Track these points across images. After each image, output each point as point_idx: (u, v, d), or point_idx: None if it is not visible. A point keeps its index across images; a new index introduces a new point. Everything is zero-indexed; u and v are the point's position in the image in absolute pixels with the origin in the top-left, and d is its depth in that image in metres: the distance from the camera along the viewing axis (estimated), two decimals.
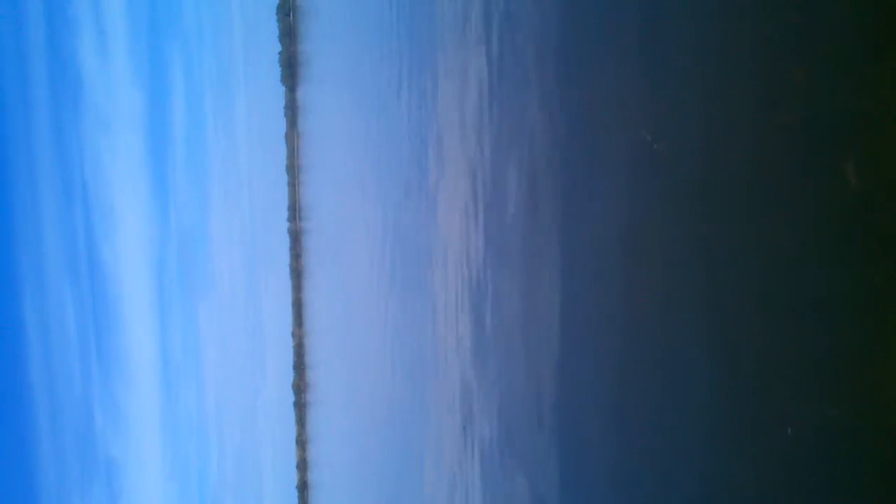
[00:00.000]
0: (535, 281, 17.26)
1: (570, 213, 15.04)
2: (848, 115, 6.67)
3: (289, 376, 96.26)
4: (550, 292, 16.10)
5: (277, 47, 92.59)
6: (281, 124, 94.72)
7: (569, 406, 15.19)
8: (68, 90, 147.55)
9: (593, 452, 14.05)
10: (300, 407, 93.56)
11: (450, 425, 26.27)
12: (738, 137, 8.30)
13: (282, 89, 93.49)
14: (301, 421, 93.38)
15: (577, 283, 14.70)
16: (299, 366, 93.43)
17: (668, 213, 10.21)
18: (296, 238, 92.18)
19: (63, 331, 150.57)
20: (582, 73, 14.31)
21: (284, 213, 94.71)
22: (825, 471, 6.97)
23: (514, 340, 19.09)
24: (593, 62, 13.56)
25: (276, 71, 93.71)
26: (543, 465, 16.91)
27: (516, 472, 18.97)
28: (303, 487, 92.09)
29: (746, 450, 8.33)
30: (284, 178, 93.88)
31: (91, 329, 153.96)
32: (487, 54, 20.96)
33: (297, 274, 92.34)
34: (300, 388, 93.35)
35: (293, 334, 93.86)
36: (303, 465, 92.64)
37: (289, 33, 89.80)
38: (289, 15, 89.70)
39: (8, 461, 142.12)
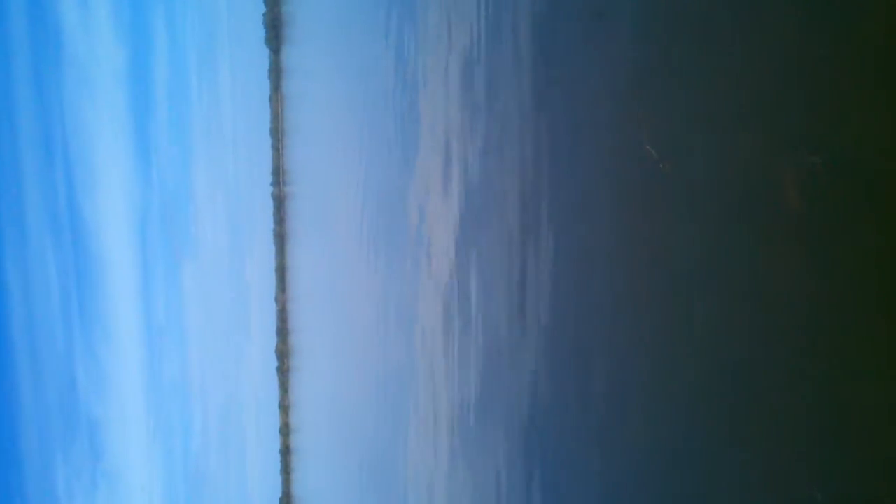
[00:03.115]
0: (519, 247, 17.19)
1: (558, 189, 14.90)
2: (872, 160, 6.55)
3: (272, 341, 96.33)
4: (538, 265, 16.03)
5: (262, 8, 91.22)
6: (265, 86, 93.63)
7: (552, 372, 15.18)
8: (49, 45, 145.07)
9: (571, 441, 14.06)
10: (283, 372, 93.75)
11: (433, 389, 26.30)
12: (756, 171, 8.16)
13: (266, 51, 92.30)
14: (284, 386, 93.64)
15: (565, 266, 14.62)
16: (282, 331, 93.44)
17: (669, 226, 10.10)
18: (279, 202, 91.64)
19: (45, 290, 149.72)
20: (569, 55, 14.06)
21: (268, 178, 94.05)
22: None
23: (498, 306, 19.04)
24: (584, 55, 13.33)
25: (261, 32, 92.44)
26: (523, 432, 16.93)
27: (496, 439, 19.01)
28: (286, 452, 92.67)
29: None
30: (268, 141, 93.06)
31: (73, 288, 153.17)
32: (475, 21, 20.64)
33: (280, 239, 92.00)
34: (283, 353, 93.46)
35: (276, 299, 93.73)
36: (286, 430, 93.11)
37: None
38: None
39: None
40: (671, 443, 10.01)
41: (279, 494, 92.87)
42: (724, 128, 8.58)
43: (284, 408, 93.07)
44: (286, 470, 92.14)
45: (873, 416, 6.36)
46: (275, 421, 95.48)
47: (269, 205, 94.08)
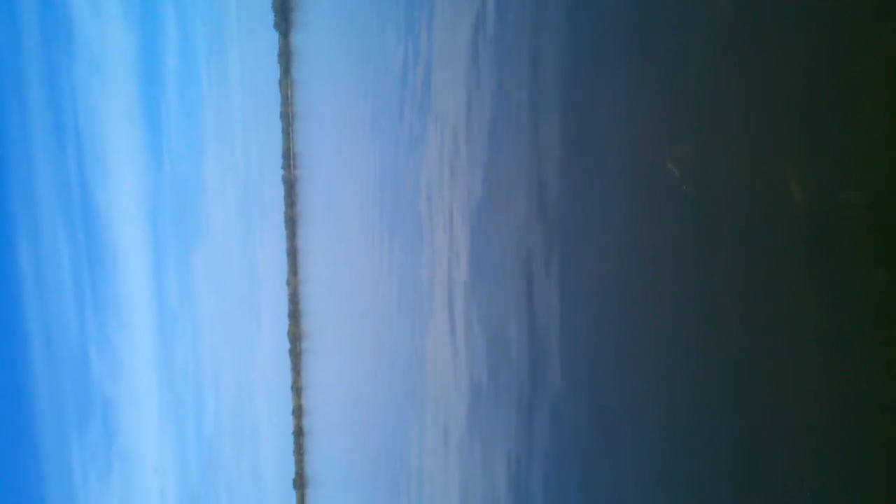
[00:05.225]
0: (514, 229, 17.31)
1: (565, 176, 15.00)
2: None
3: (284, 324, 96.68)
4: (540, 240, 16.16)
5: None
6: (274, 71, 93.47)
7: (556, 349, 15.32)
8: (59, 32, 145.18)
9: (582, 410, 14.22)
10: (295, 355, 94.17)
11: (443, 369, 26.50)
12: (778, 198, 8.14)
13: (275, 35, 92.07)
14: (296, 368, 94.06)
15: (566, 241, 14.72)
16: (294, 314, 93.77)
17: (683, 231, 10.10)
18: (290, 186, 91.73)
19: (58, 276, 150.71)
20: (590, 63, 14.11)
21: (278, 161, 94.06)
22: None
23: (508, 290, 19.17)
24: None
25: (269, 16, 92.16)
26: (532, 415, 17.10)
27: (505, 422, 19.20)
28: (298, 433, 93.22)
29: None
30: (278, 125, 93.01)
31: (86, 274, 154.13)
32: (487, 4, 20.65)
33: (291, 222, 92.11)
34: (295, 336, 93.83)
35: (288, 282, 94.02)
36: (298, 412, 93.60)
37: None
38: None
39: (5, 404, 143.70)
40: (678, 445, 10.13)
41: (292, 475, 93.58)
42: (749, 149, 8.58)
43: (297, 390, 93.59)
44: (299, 451, 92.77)
45: (879, 417, 6.51)
46: (287, 403, 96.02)
47: (280, 188, 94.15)
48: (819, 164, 7.26)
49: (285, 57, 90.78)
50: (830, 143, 7.10)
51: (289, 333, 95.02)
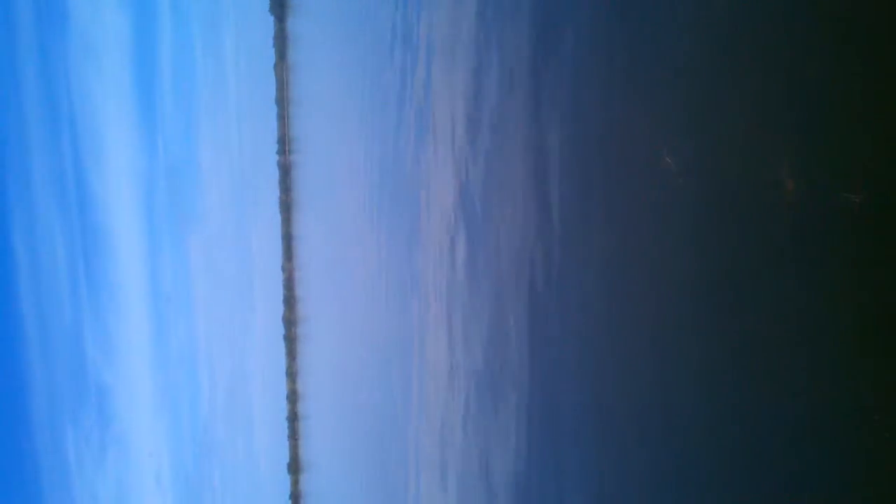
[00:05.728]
0: (511, 219, 17.28)
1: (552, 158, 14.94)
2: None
3: (279, 309, 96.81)
4: (527, 230, 16.13)
5: None
6: (270, 56, 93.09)
7: (547, 338, 15.32)
8: (53, 14, 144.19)
9: (571, 392, 14.23)
10: (290, 340, 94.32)
11: (437, 356, 26.54)
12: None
13: (270, 19, 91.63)
14: (291, 353, 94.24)
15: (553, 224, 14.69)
16: (289, 299, 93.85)
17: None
18: (285, 171, 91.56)
19: (52, 259, 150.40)
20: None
21: (273, 146, 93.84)
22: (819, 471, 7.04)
23: (502, 275, 19.18)
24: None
25: (265, 0, 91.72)
26: (527, 398, 17.12)
27: (499, 406, 19.23)
28: (293, 418, 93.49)
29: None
30: (273, 110, 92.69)
31: (80, 258, 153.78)
32: None
33: (286, 207, 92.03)
34: (290, 321, 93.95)
35: (283, 268, 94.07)
36: (293, 397, 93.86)
37: None
38: None
39: (0, 389, 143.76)
40: (676, 444, 10.15)
41: (286, 460, 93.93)
42: (747, 146, 8.53)
43: (291, 375, 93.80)
44: (293, 436, 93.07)
45: (878, 417, 6.49)
46: (282, 388, 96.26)
47: (275, 173, 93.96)
48: (817, 164, 7.24)
49: (281, 41, 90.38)
50: (829, 142, 7.08)
51: (283, 318, 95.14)
